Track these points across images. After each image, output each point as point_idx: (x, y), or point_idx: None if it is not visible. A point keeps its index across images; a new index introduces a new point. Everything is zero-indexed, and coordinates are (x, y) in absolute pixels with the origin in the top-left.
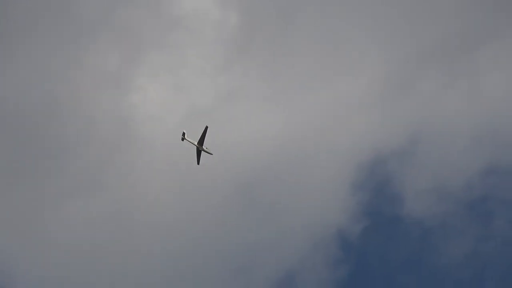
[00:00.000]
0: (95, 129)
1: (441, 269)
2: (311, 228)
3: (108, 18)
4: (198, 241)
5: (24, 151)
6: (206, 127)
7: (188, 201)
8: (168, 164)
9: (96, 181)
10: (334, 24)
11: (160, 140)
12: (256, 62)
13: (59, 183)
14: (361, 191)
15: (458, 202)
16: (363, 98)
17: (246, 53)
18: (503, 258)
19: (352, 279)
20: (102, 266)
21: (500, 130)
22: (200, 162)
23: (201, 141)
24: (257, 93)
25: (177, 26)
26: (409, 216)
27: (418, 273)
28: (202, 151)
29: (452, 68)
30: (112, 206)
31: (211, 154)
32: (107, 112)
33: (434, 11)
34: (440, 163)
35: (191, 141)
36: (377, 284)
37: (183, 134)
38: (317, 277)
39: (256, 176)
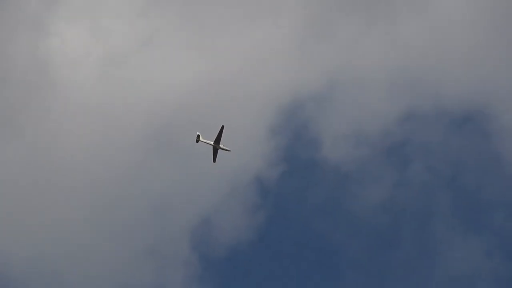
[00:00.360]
0: (12, 72)
1: (358, 214)
2: (229, 173)
3: None
4: (114, 186)
5: None
6: (222, 126)
7: (105, 145)
8: (86, 108)
9: (12, 124)
10: None
11: (78, 84)
12: (176, 6)
13: None
14: (278, 135)
15: (376, 147)
16: (282, 42)
17: None
18: (419, 203)
19: (269, 224)
20: (17, 211)
21: (417, 76)
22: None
23: (217, 140)
24: (176, 37)
25: None
26: (327, 161)
27: (335, 218)
28: (219, 149)
29: (370, 14)
30: (27, 149)
31: (229, 150)
32: (25, 55)
33: None
34: (358, 108)
35: (207, 141)
36: (295, 229)
37: (198, 136)
38: (235, 222)
39: (174, 120)
